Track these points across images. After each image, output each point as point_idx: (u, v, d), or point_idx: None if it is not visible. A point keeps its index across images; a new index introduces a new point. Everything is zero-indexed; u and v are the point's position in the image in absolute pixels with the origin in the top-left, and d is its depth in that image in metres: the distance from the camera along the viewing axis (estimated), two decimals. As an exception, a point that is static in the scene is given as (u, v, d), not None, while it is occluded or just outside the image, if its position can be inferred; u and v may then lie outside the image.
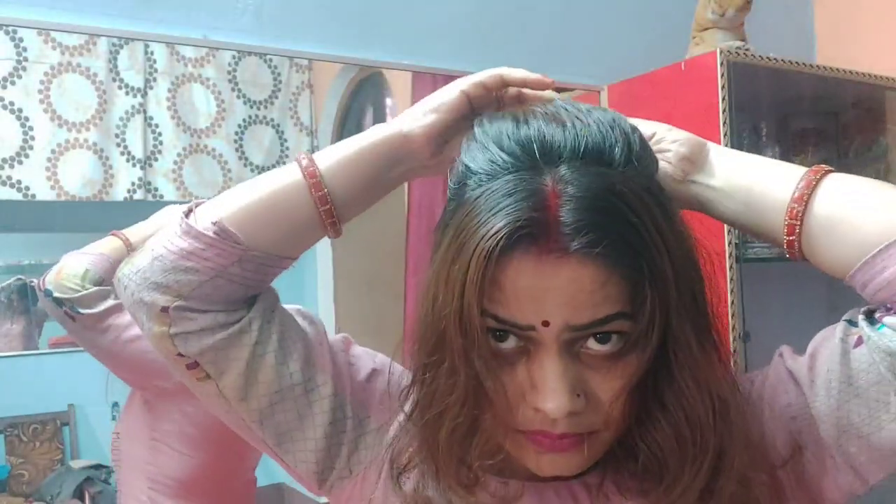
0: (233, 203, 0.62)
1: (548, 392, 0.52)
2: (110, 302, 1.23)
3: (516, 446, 0.57)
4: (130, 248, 1.33)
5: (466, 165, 0.57)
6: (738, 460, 0.56)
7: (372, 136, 0.64)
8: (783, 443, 0.60)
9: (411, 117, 0.65)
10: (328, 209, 0.62)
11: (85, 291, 1.21)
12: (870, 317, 0.58)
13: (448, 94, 0.65)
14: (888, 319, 0.55)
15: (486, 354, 0.53)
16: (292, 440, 0.63)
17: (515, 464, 0.59)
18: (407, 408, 0.61)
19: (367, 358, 0.69)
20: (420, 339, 0.57)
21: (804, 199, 0.59)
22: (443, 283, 0.53)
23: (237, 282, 0.61)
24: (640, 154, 0.57)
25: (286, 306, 0.67)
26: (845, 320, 0.60)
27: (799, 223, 0.59)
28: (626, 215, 0.52)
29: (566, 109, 0.58)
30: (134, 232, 1.37)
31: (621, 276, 0.51)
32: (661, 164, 0.63)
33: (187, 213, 0.62)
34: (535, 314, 0.52)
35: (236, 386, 0.61)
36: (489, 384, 0.54)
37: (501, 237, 0.50)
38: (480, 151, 0.57)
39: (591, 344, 0.53)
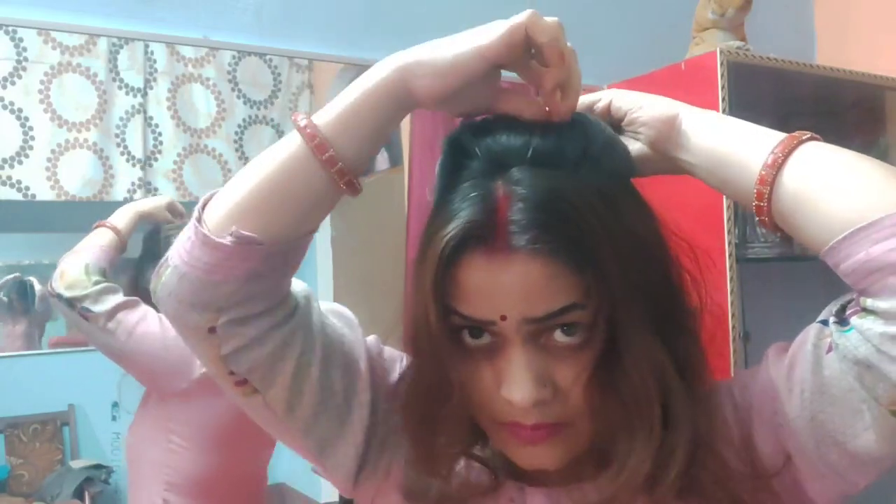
0: (242, 200, 0.59)
1: (513, 383, 0.55)
2: (119, 298, 1.23)
3: (500, 440, 0.60)
4: (119, 234, 1.34)
5: (438, 178, 0.61)
6: (683, 446, 0.57)
7: (372, 85, 0.59)
8: (774, 451, 0.60)
9: (416, 71, 0.58)
10: (339, 169, 0.58)
11: (94, 287, 1.22)
12: (842, 313, 0.57)
13: (464, 61, 0.57)
14: (856, 321, 0.54)
15: (449, 349, 0.57)
16: (334, 447, 0.65)
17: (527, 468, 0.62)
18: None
19: (397, 360, 0.70)
20: (407, 341, 0.61)
21: (769, 179, 0.58)
22: (416, 286, 0.57)
23: (269, 276, 0.60)
24: (599, 152, 0.59)
25: (322, 305, 0.67)
26: (819, 321, 0.59)
27: (766, 204, 0.59)
28: (569, 214, 0.54)
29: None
30: (119, 216, 1.37)
31: (571, 270, 0.54)
32: (637, 145, 0.66)
33: (199, 216, 0.59)
34: (492, 309, 0.55)
35: (282, 398, 0.62)
36: (466, 378, 0.57)
37: (452, 239, 0.54)
38: (444, 166, 0.61)
39: (558, 336, 0.56)
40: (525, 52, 0.58)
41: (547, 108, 0.59)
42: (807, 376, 0.57)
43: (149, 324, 1.22)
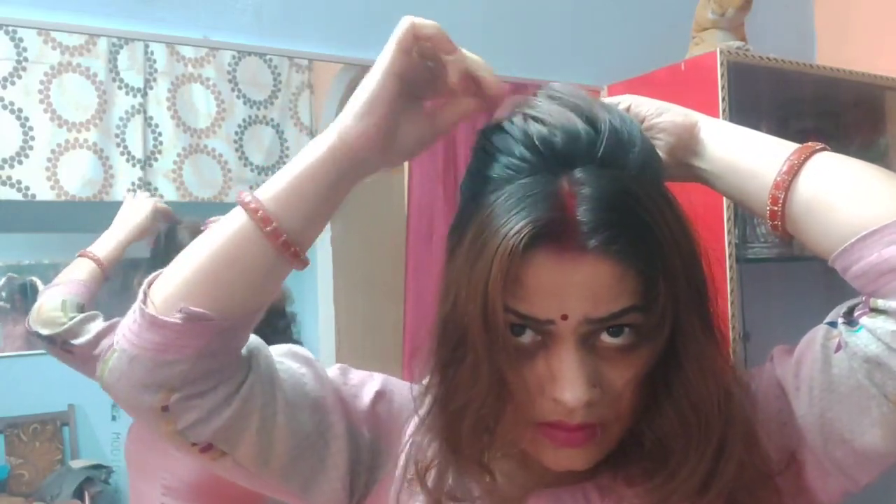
0: (190, 277, 0.58)
1: (566, 383, 0.54)
2: (99, 325, 1.22)
3: (533, 442, 0.59)
4: (101, 265, 1.33)
5: (480, 172, 0.59)
6: (738, 447, 0.57)
7: (313, 154, 0.59)
8: (777, 449, 0.60)
9: (348, 122, 0.59)
10: (284, 242, 0.58)
11: (70, 322, 1.21)
12: (850, 315, 0.58)
13: (378, 86, 0.58)
14: (866, 320, 0.56)
15: (508, 349, 0.55)
16: (318, 483, 0.64)
17: (530, 469, 0.62)
18: (422, 410, 0.62)
19: (366, 382, 0.69)
20: (440, 338, 0.59)
21: (785, 184, 0.60)
22: (464, 282, 0.55)
23: (222, 352, 0.59)
24: (652, 156, 0.60)
25: (274, 350, 0.66)
26: (827, 323, 0.60)
27: (780, 209, 0.61)
28: (639, 214, 0.54)
29: (579, 109, 0.59)
30: (102, 245, 1.36)
31: (636, 272, 0.54)
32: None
33: (144, 298, 0.58)
34: (556, 309, 0.54)
35: (253, 454, 0.61)
36: (511, 377, 0.56)
37: (524, 236, 0.53)
38: (493, 159, 0.58)
39: (605, 337, 0.56)
40: (423, 64, 0.59)
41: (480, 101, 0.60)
42: (815, 374, 0.58)
43: None
